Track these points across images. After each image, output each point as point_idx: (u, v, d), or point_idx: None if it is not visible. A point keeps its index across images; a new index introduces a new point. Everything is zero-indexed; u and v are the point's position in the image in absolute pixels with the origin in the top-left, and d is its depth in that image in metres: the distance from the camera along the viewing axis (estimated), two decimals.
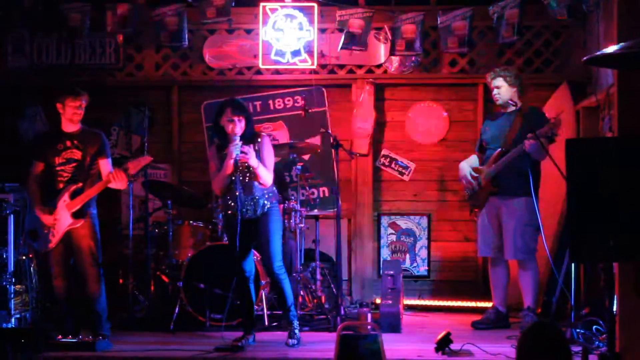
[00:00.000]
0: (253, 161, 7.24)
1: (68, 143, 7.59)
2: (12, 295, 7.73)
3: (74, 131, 7.63)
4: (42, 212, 7.52)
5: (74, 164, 7.54)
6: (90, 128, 7.78)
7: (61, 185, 7.53)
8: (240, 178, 7.37)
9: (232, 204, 7.39)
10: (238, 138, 7.27)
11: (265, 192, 7.46)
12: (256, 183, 7.37)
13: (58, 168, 7.56)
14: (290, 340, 7.35)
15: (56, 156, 7.57)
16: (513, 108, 8.04)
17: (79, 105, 7.56)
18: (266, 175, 7.38)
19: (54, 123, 9.68)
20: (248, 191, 7.39)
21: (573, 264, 7.63)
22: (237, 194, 7.32)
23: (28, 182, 7.65)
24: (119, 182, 7.47)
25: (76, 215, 7.47)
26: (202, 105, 10.20)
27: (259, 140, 7.47)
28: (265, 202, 7.45)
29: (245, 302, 7.64)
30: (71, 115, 7.56)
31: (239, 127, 7.31)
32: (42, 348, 6.90)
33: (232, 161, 7.24)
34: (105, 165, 7.62)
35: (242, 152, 7.21)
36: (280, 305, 7.68)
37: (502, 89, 8.19)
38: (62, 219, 7.46)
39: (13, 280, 7.74)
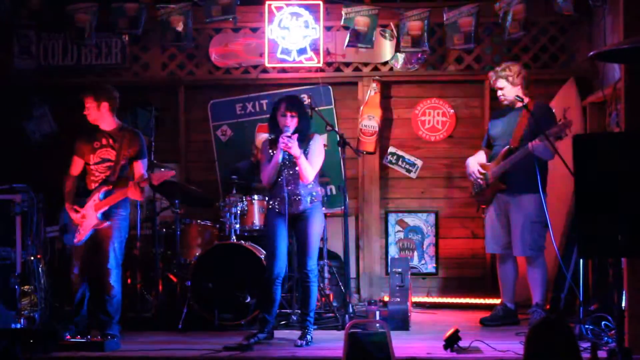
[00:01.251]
0: (295, 150, 7.34)
1: (104, 141, 7.63)
2: (21, 296, 7.72)
3: (110, 129, 7.67)
4: (70, 210, 7.60)
5: (107, 164, 7.56)
6: (128, 127, 7.81)
7: (93, 185, 7.56)
8: (288, 173, 7.47)
9: (277, 198, 7.51)
10: (289, 130, 7.39)
11: (309, 190, 7.53)
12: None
13: (92, 167, 7.61)
14: (299, 341, 7.34)
15: (92, 154, 7.63)
16: (520, 104, 8.01)
17: (86, 107, 7.62)
18: (307, 169, 7.45)
19: (61, 123, 9.77)
20: (294, 187, 7.47)
21: (581, 260, 7.61)
22: (282, 188, 7.43)
23: (65, 177, 7.71)
24: (135, 196, 7.50)
25: (103, 216, 7.49)
26: (208, 104, 10.22)
27: (312, 138, 7.57)
28: (309, 199, 7.52)
29: (269, 300, 7.63)
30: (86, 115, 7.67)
31: (290, 122, 7.42)
32: (50, 348, 6.92)
33: (280, 153, 7.36)
34: (138, 167, 7.64)
35: (286, 137, 7.31)
36: (302, 307, 7.69)
37: (506, 90, 8.16)
38: (89, 218, 7.50)
39: (21, 281, 7.73)
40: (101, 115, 7.64)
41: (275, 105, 7.68)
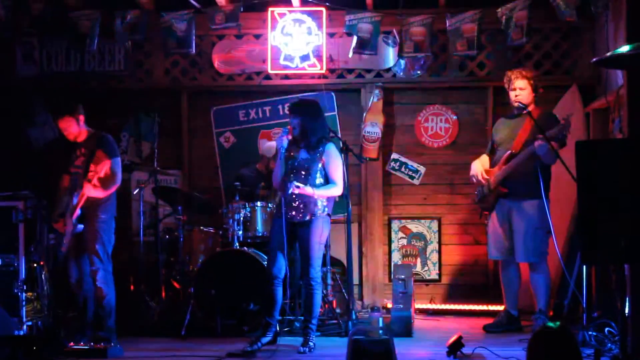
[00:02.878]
0: (306, 190, 7.35)
1: (78, 152, 7.73)
2: (24, 303, 7.72)
3: (82, 139, 7.75)
4: (53, 222, 7.70)
5: (80, 171, 7.58)
6: (97, 131, 7.81)
7: (74, 194, 7.58)
8: (294, 177, 7.44)
9: (280, 202, 7.50)
10: (286, 130, 7.48)
11: (314, 199, 7.47)
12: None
13: (72, 177, 7.67)
14: (302, 348, 7.33)
15: (71, 166, 7.72)
16: (525, 111, 7.99)
17: (63, 128, 7.70)
18: (328, 193, 7.55)
19: None
20: (298, 194, 7.41)
21: (584, 266, 7.59)
22: (285, 192, 7.42)
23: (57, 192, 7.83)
24: (90, 192, 7.52)
25: (79, 221, 7.50)
26: (211, 110, 10.22)
27: (323, 150, 7.53)
28: (315, 207, 7.48)
29: (270, 301, 7.59)
30: (66, 135, 7.76)
31: (292, 124, 7.48)
32: (53, 355, 6.91)
33: (279, 153, 7.46)
34: (103, 165, 7.55)
35: (296, 185, 7.30)
36: (305, 314, 7.67)
37: (525, 92, 8.09)
38: (68, 225, 7.54)
39: (24, 288, 7.73)
40: (80, 130, 7.73)
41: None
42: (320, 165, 7.50)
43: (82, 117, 7.72)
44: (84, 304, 7.73)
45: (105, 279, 7.58)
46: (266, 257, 8.26)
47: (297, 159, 7.48)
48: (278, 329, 7.76)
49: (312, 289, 7.49)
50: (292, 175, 7.44)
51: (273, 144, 9.29)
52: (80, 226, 7.52)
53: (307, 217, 7.46)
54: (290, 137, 7.46)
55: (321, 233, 7.54)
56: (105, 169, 7.51)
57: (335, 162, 7.57)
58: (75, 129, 7.69)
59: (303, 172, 7.46)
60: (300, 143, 7.50)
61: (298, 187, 7.27)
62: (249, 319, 8.16)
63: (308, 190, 7.33)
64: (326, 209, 7.58)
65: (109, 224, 7.69)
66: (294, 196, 7.40)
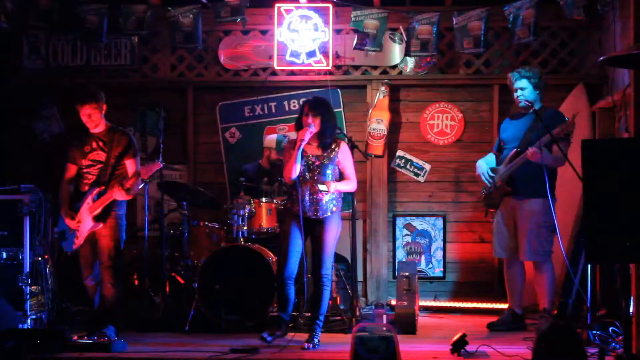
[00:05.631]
0: (332, 188, 7.42)
1: (94, 144, 7.58)
2: (28, 296, 7.73)
3: (99, 132, 7.61)
4: (65, 216, 7.59)
5: (98, 166, 7.53)
6: (117, 127, 7.75)
7: (86, 188, 7.55)
8: (310, 176, 7.45)
9: (294, 199, 7.48)
10: (312, 126, 7.37)
11: (331, 197, 7.48)
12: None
13: (84, 170, 7.59)
14: (307, 344, 7.32)
15: (83, 158, 7.60)
16: (533, 109, 7.96)
17: (88, 114, 7.50)
18: (346, 188, 7.62)
19: (69, 124, 9.77)
20: (314, 189, 7.43)
21: (589, 265, 7.59)
22: (300, 190, 7.42)
23: (60, 184, 7.70)
24: (118, 196, 7.46)
25: (97, 218, 7.47)
26: (217, 106, 10.23)
27: (337, 149, 7.55)
28: (330, 205, 7.49)
29: (283, 300, 7.59)
30: (85, 122, 7.55)
31: (313, 121, 7.39)
32: (57, 349, 6.91)
33: (300, 144, 7.35)
34: (130, 165, 7.57)
35: (325, 190, 7.37)
36: (312, 310, 7.66)
37: (527, 91, 8.08)
38: (85, 222, 7.49)
39: (29, 281, 7.74)
40: (101, 119, 7.61)
41: (301, 107, 7.66)
42: (336, 162, 7.52)
43: (104, 106, 7.59)
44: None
45: (115, 277, 7.56)
46: (271, 253, 8.28)
47: (311, 155, 7.48)
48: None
49: (322, 285, 7.48)
50: (308, 174, 7.44)
51: (274, 136, 9.36)
52: (103, 224, 7.51)
53: (324, 215, 7.45)
54: (313, 132, 7.43)
55: (336, 230, 7.55)
56: (133, 170, 7.52)
57: (350, 159, 7.63)
58: (98, 116, 7.54)
59: (317, 169, 7.46)
60: (315, 141, 7.49)
61: (327, 191, 7.36)
62: (252, 315, 8.15)
63: (331, 188, 7.39)
64: (339, 206, 7.59)
65: (123, 220, 7.67)
66: (310, 192, 7.42)
